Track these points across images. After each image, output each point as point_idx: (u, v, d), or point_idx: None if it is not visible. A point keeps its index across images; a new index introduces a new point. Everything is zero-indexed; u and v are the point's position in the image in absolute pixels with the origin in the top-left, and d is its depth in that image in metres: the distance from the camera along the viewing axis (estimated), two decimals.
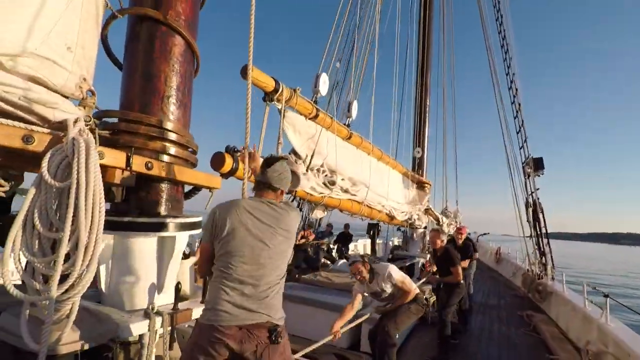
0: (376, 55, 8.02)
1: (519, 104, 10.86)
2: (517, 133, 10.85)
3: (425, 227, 10.10)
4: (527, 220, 10.09)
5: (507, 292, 9.70)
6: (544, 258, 9.29)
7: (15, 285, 1.74)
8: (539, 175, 10.13)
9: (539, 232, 9.62)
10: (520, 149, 10.73)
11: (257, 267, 1.85)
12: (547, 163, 10.11)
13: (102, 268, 2.43)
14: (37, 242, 1.66)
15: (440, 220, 11.67)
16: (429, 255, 8.52)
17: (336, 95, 10.85)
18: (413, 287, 3.84)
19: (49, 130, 1.72)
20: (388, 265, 3.91)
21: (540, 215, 9.69)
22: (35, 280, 1.69)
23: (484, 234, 19.09)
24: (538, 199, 9.84)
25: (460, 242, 6.54)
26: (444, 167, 13.02)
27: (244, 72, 2.96)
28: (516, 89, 11.04)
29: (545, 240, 9.40)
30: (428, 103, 11.12)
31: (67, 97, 1.92)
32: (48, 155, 1.63)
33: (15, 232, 1.61)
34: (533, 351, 5.11)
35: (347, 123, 5.62)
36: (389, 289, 3.79)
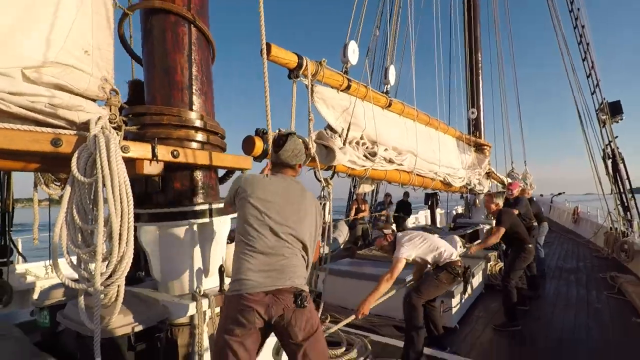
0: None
1: (587, 44, 9.59)
2: (588, 77, 9.63)
3: (488, 192, 9.51)
4: (607, 174, 9.03)
5: (587, 254, 8.86)
6: (628, 214, 8.29)
7: (73, 279, 1.93)
8: (617, 122, 8.95)
9: (620, 186, 8.57)
10: (592, 94, 9.54)
11: (277, 238, 1.90)
12: (627, 104, 8.90)
13: (152, 258, 2.62)
14: (79, 235, 1.82)
15: (506, 183, 10.91)
16: (494, 222, 8.04)
17: (373, 62, 10.40)
18: (441, 257, 3.55)
19: (75, 132, 1.84)
20: (404, 239, 3.71)
21: (622, 167, 8.59)
22: (84, 270, 1.85)
23: (559, 193, 17.49)
24: (617, 148, 8.72)
25: (511, 197, 6.01)
26: (506, 125, 12.06)
27: (266, 50, 2.94)
28: (582, 26, 9.74)
29: (629, 195, 8.37)
30: (480, 58, 10.24)
31: (93, 100, 2.05)
32: (76, 154, 1.76)
33: (59, 228, 1.77)
34: (618, 315, 4.58)
35: (385, 90, 5.37)
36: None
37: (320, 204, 3.26)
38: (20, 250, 5.24)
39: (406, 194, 11.29)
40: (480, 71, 10.10)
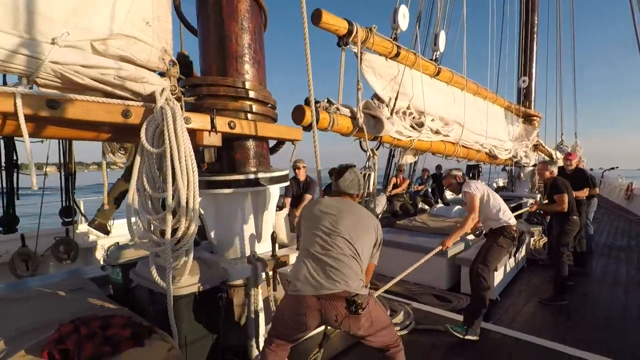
0: None
1: None
2: None
3: (534, 165, 9.07)
4: None
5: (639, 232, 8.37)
6: None
7: (143, 241, 2.08)
8: None
9: None
10: None
11: (330, 242, 1.97)
12: None
13: (209, 223, 2.76)
14: (149, 202, 1.94)
15: (554, 156, 10.35)
16: (538, 196, 7.69)
17: (421, 28, 9.84)
18: (498, 215, 3.46)
19: (141, 103, 1.92)
20: (472, 181, 3.69)
21: None
22: (154, 235, 1.99)
23: (612, 168, 16.34)
24: None
25: (571, 168, 5.65)
26: (559, 95, 11.23)
27: (313, 18, 2.87)
28: None
29: None
30: (536, 21, 9.43)
31: (153, 71, 2.11)
32: (144, 125, 1.84)
33: (132, 195, 1.89)
34: None
35: (434, 57, 5.13)
36: (464, 199, 3.62)
37: (365, 174, 3.26)
38: (82, 210, 5.67)
39: (438, 167, 11.02)
40: (535, 35, 9.33)
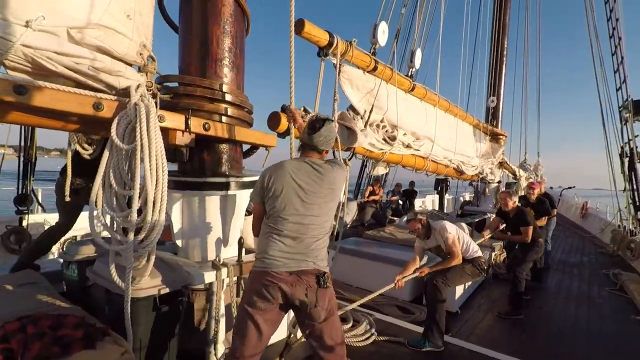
0: None
1: (620, 38, 9.24)
2: (615, 72, 9.33)
3: (499, 182, 9.48)
4: (622, 172, 8.92)
5: (592, 249, 8.88)
6: (639, 213, 8.26)
7: (103, 238, 2.01)
8: (639, 120, 8.77)
9: (635, 185, 8.49)
10: (617, 90, 9.27)
11: (303, 222, 1.94)
12: None
13: (175, 224, 2.71)
14: (114, 199, 1.89)
15: (517, 174, 10.85)
16: (492, 216, 8.04)
17: (399, 44, 10.12)
18: (469, 251, 3.67)
19: (115, 97, 1.87)
20: (443, 222, 3.81)
21: (638, 166, 8.48)
22: (116, 233, 1.93)
23: (569, 187, 17.32)
24: (637, 147, 8.58)
25: (533, 197, 5.98)
26: (524, 116, 11.84)
27: (296, 27, 2.90)
28: (617, 20, 9.35)
29: None
30: (506, 45, 9.95)
31: (130, 65, 2.06)
32: (116, 120, 1.80)
33: (97, 191, 1.83)
34: (617, 311, 4.67)
35: (409, 74, 5.29)
36: (444, 244, 3.72)
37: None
38: (40, 200, 5.37)
39: (412, 183, 11.49)
40: (505, 58, 9.84)
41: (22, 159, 4.77)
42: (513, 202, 4.71)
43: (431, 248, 3.88)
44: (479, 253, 3.73)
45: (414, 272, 3.76)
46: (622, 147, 8.95)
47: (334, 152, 3.87)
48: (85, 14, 1.81)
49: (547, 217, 5.83)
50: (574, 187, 17.33)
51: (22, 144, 4.69)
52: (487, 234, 5.06)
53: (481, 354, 3.30)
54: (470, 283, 4.91)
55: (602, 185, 10.05)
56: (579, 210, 13.51)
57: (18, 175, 4.83)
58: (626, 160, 8.77)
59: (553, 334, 3.91)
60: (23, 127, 4.61)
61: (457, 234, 3.67)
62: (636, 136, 8.67)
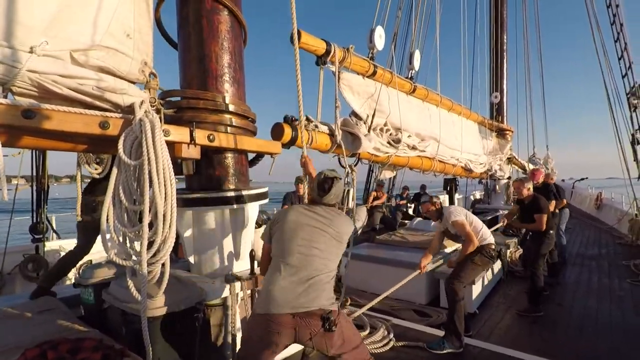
0: None
1: (621, 24, 9.16)
2: (619, 59, 9.23)
3: (509, 178, 9.38)
4: (635, 160, 8.76)
5: (610, 241, 8.69)
6: None
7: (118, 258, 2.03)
8: None
9: None
10: (623, 77, 9.15)
11: (307, 261, 1.92)
12: None
13: (186, 240, 2.72)
14: (125, 215, 1.90)
15: (527, 168, 10.73)
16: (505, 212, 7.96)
17: (397, 47, 10.16)
18: (479, 236, 3.62)
19: (120, 115, 1.91)
20: (451, 207, 3.83)
21: None
22: (129, 248, 1.94)
23: (582, 179, 17.01)
24: None
25: (537, 184, 5.86)
26: (529, 109, 11.73)
27: (292, 38, 2.94)
28: (617, 5, 9.29)
29: None
30: (505, 40, 9.92)
31: (133, 83, 2.11)
32: (122, 137, 1.82)
33: (107, 208, 1.85)
34: None
35: (409, 76, 5.32)
36: (452, 229, 3.71)
37: (344, 190, 3.29)
38: (54, 227, 5.45)
39: (423, 187, 11.31)
40: (505, 53, 9.82)
41: (35, 187, 4.87)
42: (527, 189, 4.62)
43: (445, 232, 3.90)
44: (490, 240, 3.66)
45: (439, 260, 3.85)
46: (632, 135, 8.81)
47: (339, 159, 3.89)
48: (87, 37, 1.86)
49: (554, 202, 5.70)
50: (587, 178, 17.04)
51: (34, 173, 4.80)
52: (504, 222, 4.98)
53: (503, 354, 3.22)
54: (486, 282, 4.84)
55: (616, 174, 9.87)
56: (593, 202, 13.26)
57: (32, 204, 4.93)
58: (638, 147, 8.62)
59: (575, 330, 3.81)
60: (34, 155, 4.72)
61: (465, 218, 3.63)
62: None
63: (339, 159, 3.85)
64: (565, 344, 3.47)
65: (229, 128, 2.51)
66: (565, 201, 6.30)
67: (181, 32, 2.58)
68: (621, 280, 5.50)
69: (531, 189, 4.68)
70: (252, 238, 2.98)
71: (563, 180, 17.48)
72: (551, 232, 4.51)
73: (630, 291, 4.98)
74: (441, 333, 3.42)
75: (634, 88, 8.78)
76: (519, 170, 10.18)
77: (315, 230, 1.99)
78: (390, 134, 4.60)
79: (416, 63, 5.34)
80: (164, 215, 1.82)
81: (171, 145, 2.06)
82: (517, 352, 3.21)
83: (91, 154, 2.97)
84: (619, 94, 9.29)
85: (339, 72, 3.75)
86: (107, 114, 1.86)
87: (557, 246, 5.79)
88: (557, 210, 5.97)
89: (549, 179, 6.79)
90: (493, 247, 3.63)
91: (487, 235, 3.67)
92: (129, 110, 1.94)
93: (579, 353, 3.21)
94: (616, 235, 9.21)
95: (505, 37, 9.89)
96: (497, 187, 9.51)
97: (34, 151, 4.55)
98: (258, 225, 3.57)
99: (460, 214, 3.65)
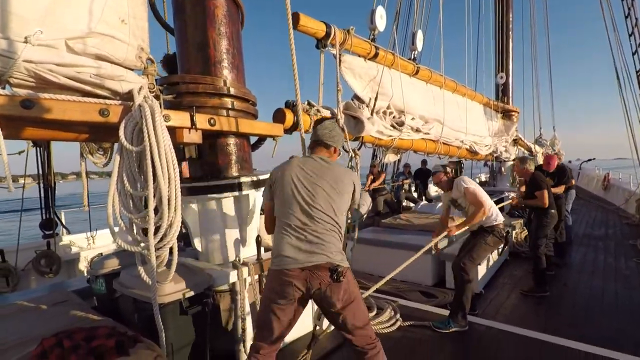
0: None
1: None
2: (630, 35, 8.99)
3: (514, 159, 9.29)
4: None
5: (616, 221, 8.61)
6: None
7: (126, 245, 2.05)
8: None
9: None
10: (633, 54, 8.93)
11: (309, 216, 1.95)
12: None
13: (193, 229, 2.74)
14: (130, 201, 1.91)
15: (534, 150, 10.62)
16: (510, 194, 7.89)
17: (399, 27, 9.97)
18: (491, 213, 3.56)
19: (120, 102, 1.90)
20: (462, 176, 3.74)
21: None
22: (136, 234, 1.96)
23: (589, 160, 16.86)
24: None
25: (552, 170, 5.81)
26: (535, 90, 11.57)
27: (292, 20, 2.90)
28: None
29: None
30: (511, 18, 9.69)
31: (131, 69, 2.10)
32: (123, 124, 1.82)
33: (112, 195, 1.86)
34: None
35: (412, 57, 5.23)
36: (460, 198, 3.64)
37: None
38: (63, 222, 5.53)
39: (424, 162, 11.04)
40: (510, 32, 9.61)
41: (42, 185, 4.93)
42: (524, 169, 4.59)
43: (451, 201, 3.83)
44: (500, 219, 3.60)
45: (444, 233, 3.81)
46: None
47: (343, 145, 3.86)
48: (81, 24, 1.85)
49: (564, 186, 5.64)
50: (594, 159, 16.86)
51: (40, 171, 4.85)
52: (513, 200, 4.93)
53: (508, 332, 3.24)
54: (492, 263, 4.83)
55: (623, 154, 9.72)
56: (600, 183, 13.12)
57: (40, 202, 4.99)
58: None
59: (580, 309, 3.80)
60: (38, 153, 4.76)
61: (477, 188, 3.56)
62: None
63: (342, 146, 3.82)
64: (571, 322, 3.47)
65: (229, 111, 2.50)
66: (573, 181, 6.23)
67: (177, 19, 2.55)
68: (627, 259, 5.46)
69: (530, 168, 4.62)
70: (257, 224, 2.99)
71: (570, 162, 17.30)
72: (552, 211, 4.46)
73: (637, 270, 4.94)
74: (447, 313, 3.43)
75: None
76: (525, 151, 10.08)
77: (314, 187, 1.99)
78: (394, 117, 4.55)
79: (419, 43, 5.23)
80: (169, 200, 1.83)
81: (172, 130, 2.06)
82: (523, 330, 3.24)
83: (94, 144, 2.98)
84: (629, 72, 9.10)
85: (339, 54, 3.69)
86: (107, 101, 1.86)
87: (564, 226, 5.75)
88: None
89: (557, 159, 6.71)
90: (502, 226, 3.59)
91: (496, 214, 3.62)
92: (128, 97, 1.93)
93: (584, 332, 3.20)
94: (623, 216, 9.13)
95: (510, 15, 9.66)
96: (503, 169, 9.43)
97: (38, 149, 4.59)
98: (263, 211, 3.59)
99: (473, 183, 3.59)
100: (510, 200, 5.11)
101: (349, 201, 2.11)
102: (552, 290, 4.27)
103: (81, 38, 1.84)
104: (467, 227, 3.58)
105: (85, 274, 2.99)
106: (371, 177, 9.39)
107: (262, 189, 2.89)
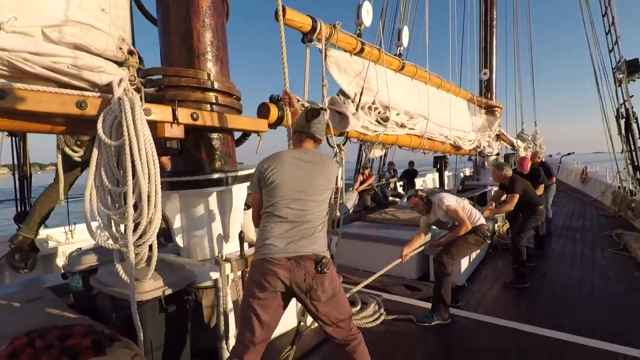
0: None
1: None
2: (607, 34, 9.22)
3: (497, 154, 9.47)
4: (619, 134, 8.90)
5: (594, 213, 8.92)
6: (638, 173, 8.23)
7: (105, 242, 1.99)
8: (633, 80, 8.68)
9: (632, 146, 8.46)
10: (609, 52, 9.18)
11: (300, 208, 1.95)
12: None
13: (174, 225, 2.69)
14: (109, 197, 1.86)
15: (515, 145, 10.83)
16: (494, 188, 8.06)
17: (386, 23, 9.95)
18: (471, 218, 3.66)
19: (99, 94, 1.84)
20: (441, 194, 3.81)
21: (635, 126, 8.44)
22: (115, 231, 1.91)
23: (568, 153, 17.36)
24: (632, 107, 8.53)
25: (526, 171, 5.94)
26: (518, 86, 11.78)
27: (277, 14, 2.85)
28: None
29: None
30: (495, 15, 9.82)
31: (111, 60, 2.02)
32: (101, 117, 1.76)
33: (89, 190, 1.81)
34: (621, 270, 4.68)
35: (398, 53, 5.24)
36: (443, 217, 3.73)
37: None
38: None
39: (411, 163, 11.34)
40: (495, 29, 9.75)
41: (17, 176, 4.74)
42: (502, 175, 4.69)
43: (434, 222, 3.89)
44: (482, 220, 3.72)
45: (423, 246, 3.82)
46: (617, 109, 8.91)
47: (327, 139, 3.85)
48: (58, 12, 1.77)
49: (543, 185, 5.79)
50: (573, 152, 17.37)
51: (16, 161, 4.66)
52: (487, 212, 5.01)
53: (489, 323, 3.33)
54: (474, 256, 4.92)
55: (601, 148, 10.04)
56: (579, 176, 13.53)
57: (15, 193, 4.80)
58: (622, 121, 8.73)
59: (559, 299, 3.92)
60: (14, 142, 4.57)
61: (457, 203, 3.66)
62: (631, 96, 8.63)
63: (326, 138, 3.80)
64: (550, 313, 3.57)
65: (212, 106, 2.45)
66: (554, 179, 6.40)
67: (160, 8, 2.48)
68: (603, 250, 5.66)
69: (505, 174, 4.71)
70: (241, 220, 2.96)
71: (550, 156, 17.75)
72: (541, 207, 4.59)
73: (612, 260, 5.14)
74: (430, 306, 3.48)
75: (620, 63, 8.82)
76: (508, 146, 10.27)
77: (307, 180, 1.99)
78: (379, 112, 4.56)
79: (405, 39, 5.24)
80: (149, 196, 1.78)
81: (153, 124, 2.00)
82: (503, 321, 3.33)
83: (70, 136, 2.88)
84: (605, 69, 9.35)
85: (325, 49, 3.66)
86: (85, 93, 1.79)
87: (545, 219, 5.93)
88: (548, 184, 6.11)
89: (537, 158, 6.87)
90: (486, 227, 3.68)
91: (479, 216, 3.72)
92: (107, 89, 1.87)
93: (563, 322, 3.30)
94: (600, 207, 9.44)
95: (495, 12, 9.79)
96: (486, 163, 9.59)
97: (13, 138, 4.41)
98: (247, 206, 3.55)
99: (452, 200, 3.66)
100: (486, 212, 5.15)
101: (332, 189, 2.14)
102: (532, 281, 4.39)
103: (58, 26, 1.76)
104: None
105: (62, 270, 2.90)
106: (361, 178, 9.47)
107: (246, 184, 2.85)
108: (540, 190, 5.66)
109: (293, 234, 1.91)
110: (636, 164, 8.28)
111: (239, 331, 1.98)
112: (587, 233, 6.84)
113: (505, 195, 4.91)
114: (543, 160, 7.04)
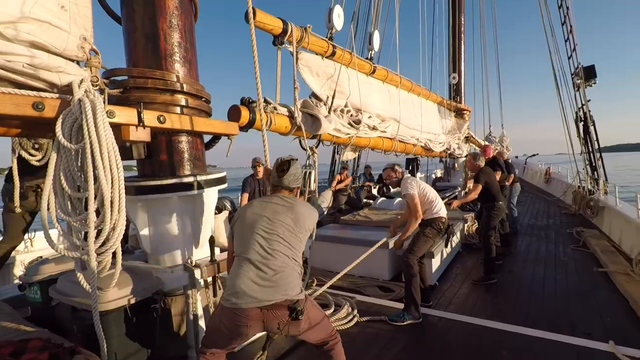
0: None
1: (567, 7, 9.63)
2: (566, 41, 9.72)
3: (466, 156, 9.78)
4: (578, 136, 9.38)
5: (556, 211, 9.36)
6: (595, 173, 8.72)
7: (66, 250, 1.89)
8: (590, 86, 9.19)
9: (590, 147, 8.95)
10: (569, 58, 9.67)
11: (268, 252, 1.90)
12: (603, 65, 9.03)
13: (141, 230, 2.60)
14: (69, 203, 1.77)
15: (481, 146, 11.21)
16: (463, 192, 8.33)
17: (358, 27, 10.09)
18: (432, 209, 3.73)
19: (57, 95, 1.75)
20: (411, 178, 3.89)
21: (592, 129, 8.94)
22: (75, 238, 1.82)
23: (533, 155, 18.12)
24: (589, 111, 9.03)
25: (488, 157, 6.27)
26: (485, 89, 12.22)
27: (247, 16, 2.82)
28: None
29: (597, 155, 8.80)
30: (463, 21, 10.17)
31: (73, 61, 1.94)
32: (60, 119, 1.68)
33: (47, 195, 1.72)
34: (581, 266, 4.95)
35: (369, 57, 5.29)
36: (403, 197, 3.83)
37: (306, 172, 3.25)
38: None
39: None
40: (462, 35, 10.07)
41: None
42: (476, 164, 4.89)
43: (402, 197, 3.97)
44: (441, 213, 3.76)
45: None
46: (576, 112, 9.38)
47: (300, 142, 3.84)
48: (12, 7, 1.67)
49: (500, 173, 6.06)
50: (538, 154, 18.11)
51: None
52: (456, 202, 5.16)
53: (459, 321, 3.43)
54: (445, 257, 5.04)
55: (563, 150, 10.53)
56: (543, 176, 14.14)
57: None
58: (581, 124, 9.20)
59: (524, 295, 4.08)
60: None
61: (417, 191, 3.71)
62: (588, 101, 9.10)
63: (299, 141, 3.80)
64: (516, 308, 3.71)
65: (180, 108, 2.38)
66: (513, 176, 6.68)
67: (125, 7, 2.39)
68: (565, 246, 5.95)
69: (481, 164, 4.91)
70: (211, 224, 2.89)
71: (516, 157, 18.45)
72: (499, 203, 4.78)
73: (573, 256, 5.41)
74: (403, 306, 3.54)
75: (577, 69, 9.30)
76: (477, 148, 10.60)
77: (274, 221, 1.96)
78: (351, 115, 4.59)
79: (376, 43, 5.30)
80: (112, 201, 1.71)
81: (117, 127, 1.92)
82: (473, 319, 3.44)
83: (27, 139, 2.74)
84: (565, 74, 9.83)
85: (297, 52, 3.66)
86: (42, 94, 1.70)
87: (508, 218, 6.18)
88: (507, 184, 6.41)
89: (502, 156, 7.19)
90: (444, 220, 3.75)
91: (439, 209, 3.77)
92: (67, 90, 1.78)
93: (528, 317, 3.44)
94: (562, 206, 9.90)
95: (462, 18, 10.12)
96: (456, 164, 9.87)
97: None
98: (218, 210, 3.48)
99: (414, 187, 3.71)
100: (452, 204, 5.31)
101: (306, 238, 2.09)
102: (500, 278, 4.55)
103: (13, 23, 1.66)
104: (407, 235, 3.76)
105: (18, 281, 2.74)
106: (339, 177, 9.52)
107: (217, 187, 2.80)
108: (510, 180, 6.00)
109: (262, 277, 1.84)
110: (593, 164, 8.74)
111: (202, 340, 1.97)
112: (550, 231, 7.16)
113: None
114: (507, 159, 7.37)
